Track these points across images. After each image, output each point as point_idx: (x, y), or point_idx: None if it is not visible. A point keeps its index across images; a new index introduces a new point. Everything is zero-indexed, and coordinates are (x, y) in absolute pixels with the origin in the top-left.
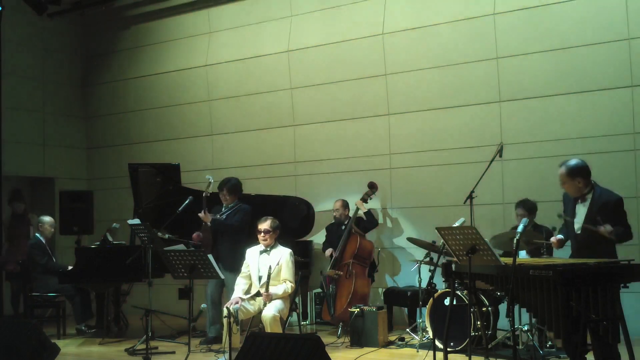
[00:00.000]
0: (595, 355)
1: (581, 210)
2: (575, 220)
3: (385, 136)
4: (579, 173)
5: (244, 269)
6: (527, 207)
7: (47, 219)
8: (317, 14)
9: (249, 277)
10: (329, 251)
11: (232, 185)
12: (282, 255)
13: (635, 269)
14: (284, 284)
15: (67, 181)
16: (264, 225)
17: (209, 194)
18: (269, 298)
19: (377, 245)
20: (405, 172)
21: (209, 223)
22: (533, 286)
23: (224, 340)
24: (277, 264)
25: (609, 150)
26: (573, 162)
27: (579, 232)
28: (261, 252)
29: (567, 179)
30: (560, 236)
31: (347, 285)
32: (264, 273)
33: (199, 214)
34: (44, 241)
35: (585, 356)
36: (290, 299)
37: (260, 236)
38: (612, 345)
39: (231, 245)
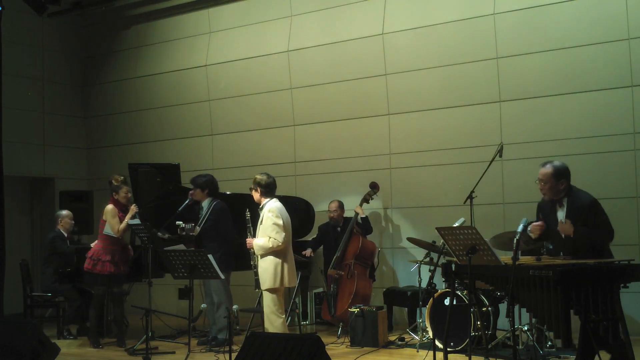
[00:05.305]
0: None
1: (560, 216)
2: (558, 228)
3: (385, 136)
4: (564, 175)
5: None
6: None
7: (64, 212)
8: (317, 14)
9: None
10: (308, 251)
11: (202, 182)
12: (264, 211)
13: (635, 269)
14: (264, 238)
15: (67, 181)
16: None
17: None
18: (250, 245)
19: (377, 245)
20: (405, 172)
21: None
22: (533, 286)
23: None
24: (262, 222)
25: (609, 150)
26: (558, 163)
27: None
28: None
29: (552, 180)
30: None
31: (349, 286)
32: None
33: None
34: (65, 234)
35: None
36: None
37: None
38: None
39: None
